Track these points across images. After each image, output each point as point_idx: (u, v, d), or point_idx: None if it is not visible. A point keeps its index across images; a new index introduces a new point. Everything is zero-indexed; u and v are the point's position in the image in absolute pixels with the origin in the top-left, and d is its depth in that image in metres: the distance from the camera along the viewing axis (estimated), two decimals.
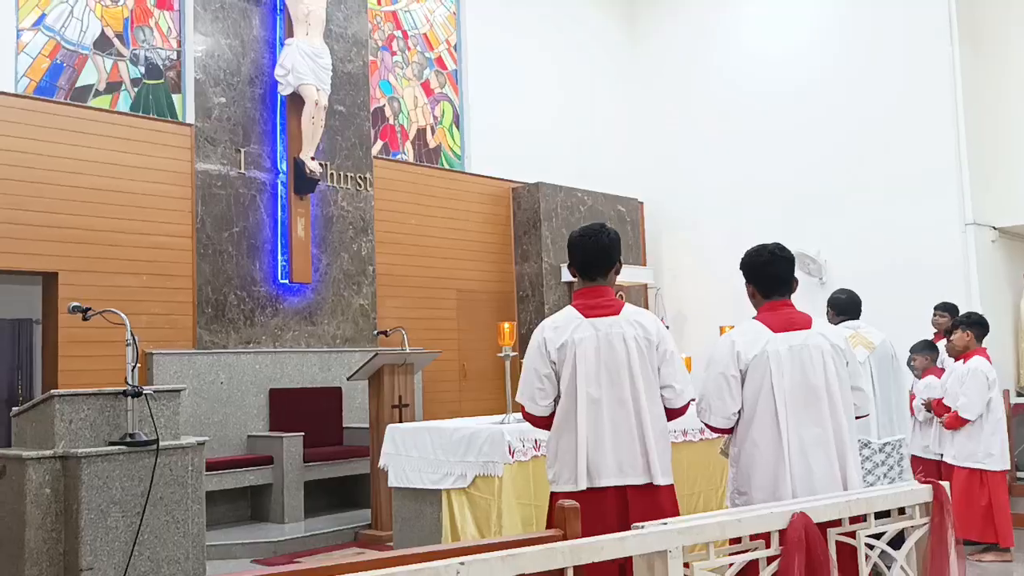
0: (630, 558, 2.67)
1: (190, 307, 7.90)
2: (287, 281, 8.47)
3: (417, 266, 9.61)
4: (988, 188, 9.98)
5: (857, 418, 3.57)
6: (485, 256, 10.36)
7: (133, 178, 7.68)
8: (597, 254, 3.59)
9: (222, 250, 8.11)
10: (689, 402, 3.59)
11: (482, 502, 5.09)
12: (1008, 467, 6.03)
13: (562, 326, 3.53)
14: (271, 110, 8.55)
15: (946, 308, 7.82)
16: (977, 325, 6.18)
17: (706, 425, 3.59)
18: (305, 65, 8.41)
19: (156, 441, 3.64)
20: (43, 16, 7.44)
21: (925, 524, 3.27)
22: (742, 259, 3.76)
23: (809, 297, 10.30)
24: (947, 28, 9.91)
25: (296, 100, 8.47)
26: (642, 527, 2.68)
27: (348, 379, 7.51)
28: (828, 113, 10.67)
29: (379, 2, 9.89)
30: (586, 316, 3.52)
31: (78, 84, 7.61)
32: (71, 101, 7.50)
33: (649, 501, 3.40)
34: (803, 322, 3.59)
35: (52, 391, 3.66)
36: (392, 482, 5.50)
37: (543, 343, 3.51)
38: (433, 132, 10.29)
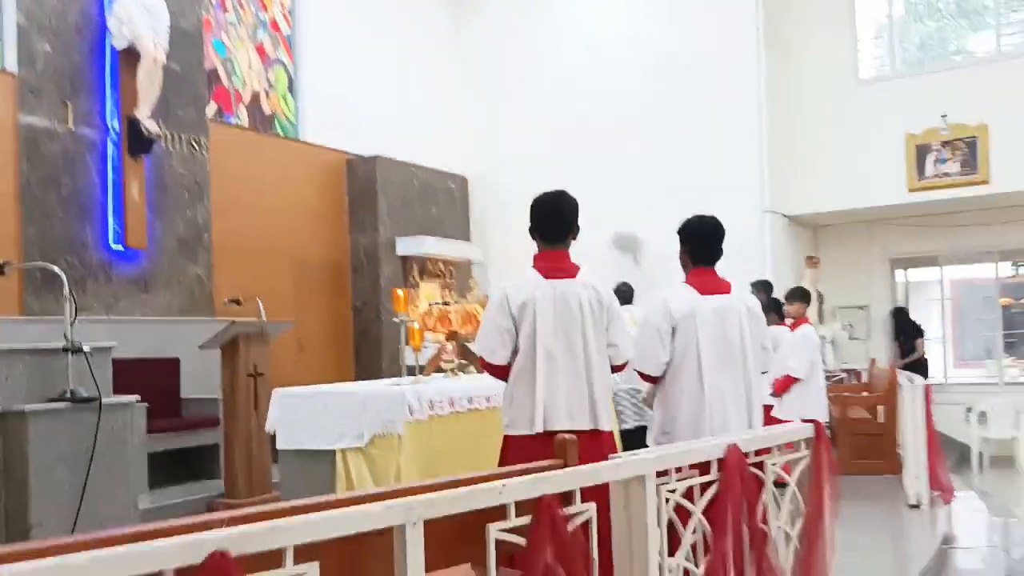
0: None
1: (15, 273, 7.37)
2: (120, 247, 8.08)
3: (254, 235, 9.44)
4: (781, 181, 11.24)
5: (762, 372, 4.14)
6: (320, 227, 10.33)
7: None
8: (559, 220, 3.91)
9: (50, 213, 7.62)
10: (626, 361, 4.00)
11: (380, 459, 5.28)
12: (827, 419, 6.99)
13: (524, 285, 3.83)
14: (101, 63, 8.08)
15: (761, 285, 8.79)
16: (804, 298, 7.08)
17: (639, 373, 4.02)
18: (142, 18, 8.02)
19: (98, 398, 3.54)
20: None
21: (807, 455, 3.90)
22: (685, 225, 4.17)
23: (626, 272, 11.22)
24: (755, 36, 11.01)
25: (130, 55, 8.04)
26: (619, 457, 3.07)
27: (200, 347, 7.31)
28: (647, 103, 11.48)
29: None
30: (546, 277, 3.84)
31: None
32: None
33: (594, 444, 3.76)
34: (725, 287, 4.09)
35: None
36: (281, 445, 5.55)
37: (505, 299, 3.79)
38: (268, 97, 10.11)
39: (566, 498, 2.63)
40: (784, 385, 6.80)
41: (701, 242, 4.12)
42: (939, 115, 10.71)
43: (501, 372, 3.81)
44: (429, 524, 2.13)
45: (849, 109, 11.14)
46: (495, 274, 12.48)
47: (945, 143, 10.82)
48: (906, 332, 11.92)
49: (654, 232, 11.36)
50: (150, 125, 8.10)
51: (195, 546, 1.65)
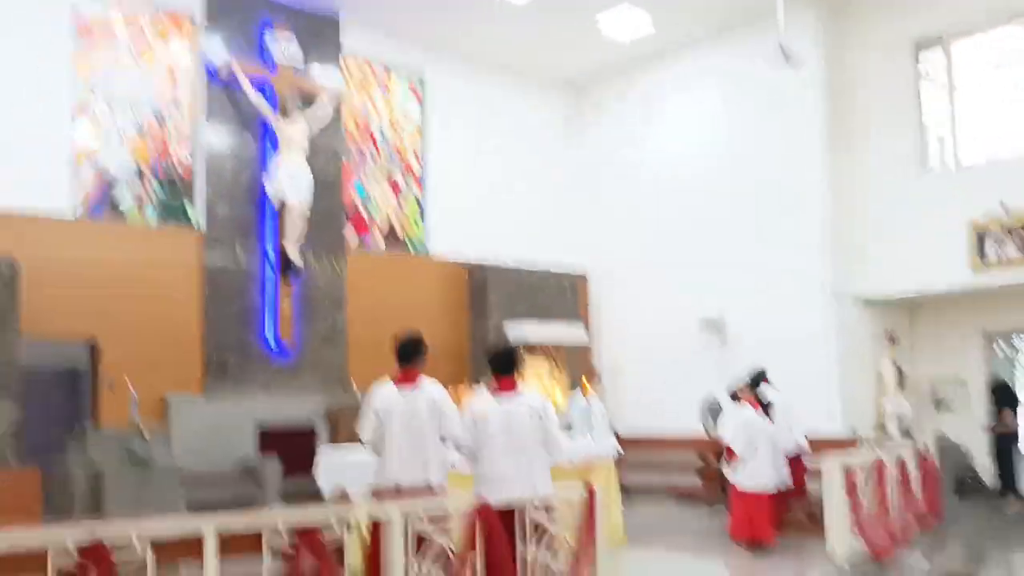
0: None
1: (199, 365, 10.60)
2: (275, 345, 11.14)
3: (383, 331, 12.10)
4: (852, 263, 12.33)
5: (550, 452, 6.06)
6: (443, 321, 12.95)
7: (157, 271, 10.44)
8: (409, 350, 6.15)
9: (225, 323, 10.81)
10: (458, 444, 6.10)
11: None
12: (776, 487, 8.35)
13: (385, 391, 6.08)
14: (263, 214, 11.26)
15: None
16: (752, 384, 8.61)
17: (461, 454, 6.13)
18: (287, 181, 11.09)
19: (150, 462, 6.25)
20: (91, 156, 10.29)
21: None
22: (488, 354, 6.23)
23: (712, 354, 12.82)
24: (819, 133, 12.35)
25: (282, 206, 11.18)
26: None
27: (310, 418, 10.12)
28: (724, 200, 13.17)
29: (356, 124, 12.66)
30: (398, 386, 6.07)
31: (118, 205, 10.44)
32: (112, 219, 10.33)
33: None
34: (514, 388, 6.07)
35: (87, 426, 6.25)
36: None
37: (373, 399, 6.06)
38: (400, 223, 13.01)
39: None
40: (730, 456, 8.39)
41: (495, 361, 6.09)
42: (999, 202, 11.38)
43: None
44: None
45: (914, 195, 12.01)
46: (607, 354, 14.49)
47: (1008, 229, 11.43)
48: (1004, 403, 12.36)
49: (735, 315, 12.92)
50: (295, 258, 11.13)
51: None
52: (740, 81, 12.84)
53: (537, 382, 13.26)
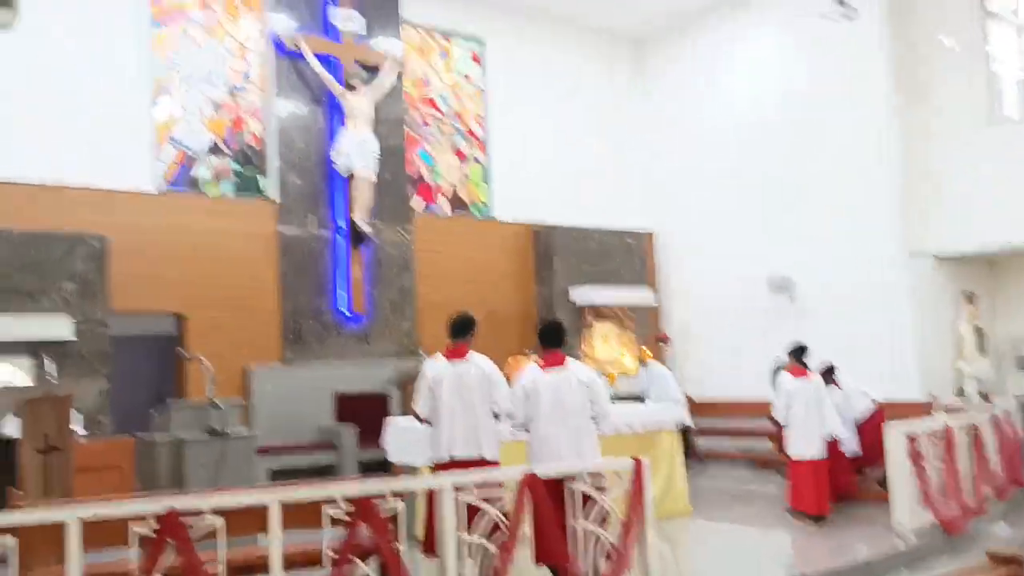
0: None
1: (277, 334, 11.11)
2: (348, 311, 11.60)
3: (452, 294, 12.50)
4: (926, 219, 12.09)
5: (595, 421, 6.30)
6: (509, 284, 13.24)
7: (235, 243, 10.94)
8: (460, 327, 6.44)
9: (299, 291, 11.30)
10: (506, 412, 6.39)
11: None
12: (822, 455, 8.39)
13: (437, 365, 6.39)
14: (333, 184, 11.64)
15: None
16: (792, 354, 8.64)
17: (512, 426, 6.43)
18: (355, 151, 11.44)
19: (226, 433, 6.71)
20: (172, 133, 10.80)
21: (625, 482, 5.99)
22: (538, 328, 6.48)
23: (780, 315, 12.78)
24: (885, 84, 12.07)
25: (350, 177, 11.55)
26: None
27: (386, 384, 10.55)
28: (792, 153, 13.01)
29: (417, 89, 12.90)
30: (449, 360, 6.38)
31: (196, 178, 10.96)
32: (192, 192, 10.85)
33: None
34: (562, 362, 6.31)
35: (170, 402, 6.74)
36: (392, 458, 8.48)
37: (425, 376, 6.38)
38: (464, 188, 13.26)
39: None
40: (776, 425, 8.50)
41: (542, 335, 6.34)
42: None
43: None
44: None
45: (988, 146, 11.66)
46: (677, 318, 14.57)
47: None
48: None
49: (805, 274, 12.83)
50: (364, 226, 11.51)
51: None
52: (803, 33, 12.58)
53: (604, 345, 13.47)
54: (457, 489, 5.45)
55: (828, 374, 9.37)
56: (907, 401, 10.88)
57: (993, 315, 12.60)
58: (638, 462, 6.07)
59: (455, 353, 6.41)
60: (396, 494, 5.25)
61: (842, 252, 12.42)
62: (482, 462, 6.25)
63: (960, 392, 11.67)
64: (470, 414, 6.27)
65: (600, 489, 5.88)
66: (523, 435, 6.60)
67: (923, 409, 9.77)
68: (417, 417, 6.48)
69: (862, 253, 12.24)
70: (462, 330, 6.48)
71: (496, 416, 6.38)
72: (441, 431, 6.29)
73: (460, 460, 6.24)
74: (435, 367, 6.40)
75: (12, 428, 6.24)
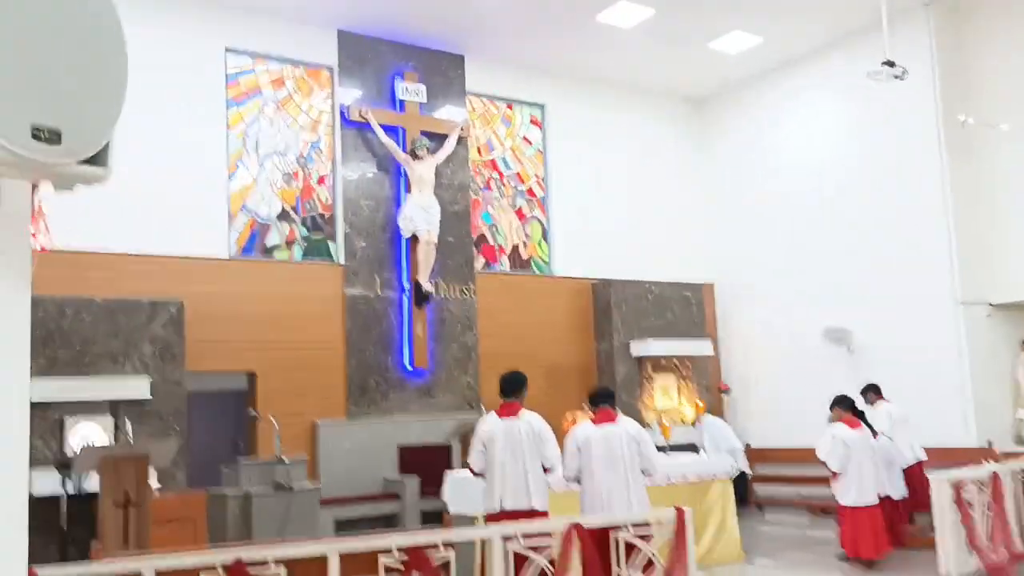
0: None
1: (343, 390, 11.56)
2: (411, 367, 12.00)
3: (512, 350, 12.81)
4: (981, 269, 12.03)
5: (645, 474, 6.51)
6: (569, 338, 13.50)
7: (304, 304, 11.45)
8: (511, 386, 6.74)
9: (364, 348, 11.75)
10: (555, 465, 6.64)
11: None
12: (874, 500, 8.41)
13: (490, 421, 6.69)
14: (398, 247, 12.15)
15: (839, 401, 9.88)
16: (840, 404, 8.72)
17: (565, 477, 6.65)
18: (419, 215, 11.95)
19: (291, 487, 7.08)
20: (245, 203, 11.44)
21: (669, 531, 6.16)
22: (589, 391, 6.75)
23: (839, 365, 12.78)
24: (937, 139, 12.13)
25: (414, 239, 12.02)
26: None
27: (447, 439, 10.88)
28: (847, 206, 13.09)
29: (480, 153, 13.41)
30: (501, 418, 6.68)
31: (267, 244, 11.57)
32: (262, 257, 11.45)
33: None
34: (612, 419, 6.57)
35: (239, 459, 7.18)
36: (452, 510, 8.76)
37: (479, 433, 6.68)
38: (525, 246, 13.64)
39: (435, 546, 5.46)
40: (832, 475, 8.52)
41: (594, 396, 6.60)
42: None
43: (477, 474, 6.68)
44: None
45: None
46: (736, 367, 14.63)
47: None
48: None
49: (861, 325, 12.82)
50: (427, 285, 11.95)
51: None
52: (854, 90, 12.72)
53: (664, 397, 13.58)
54: (506, 539, 5.71)
55: (869, 393, 9.46)
56: (963, 447, 10.76)
57: None
58: (680, 511, 6.24)
59: (507, 411, 6.71)
60: (447, 544, 5.53)
61: (898, 302, 12.39)
62: (532, 513, 6.50)
63: (1020, 440, 11.49)
64: (520, 467, 6.54)
65: (644, 538, 6.06)
66: (575, 487, 6.85)
67: (981, 456, 9.69)
68: (471, 471, 6.76)
69: (918, 303, 12.20)
70: (513, 388, 6.79)
71: (546, 469, 6.63)
72: (493, 483, 6.56)
73: (511, 511, 6.50)
74: (488, 424, 6.71)
75: (94, 484, 6.71)
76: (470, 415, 11.87)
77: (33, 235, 4.54)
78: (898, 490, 9.62)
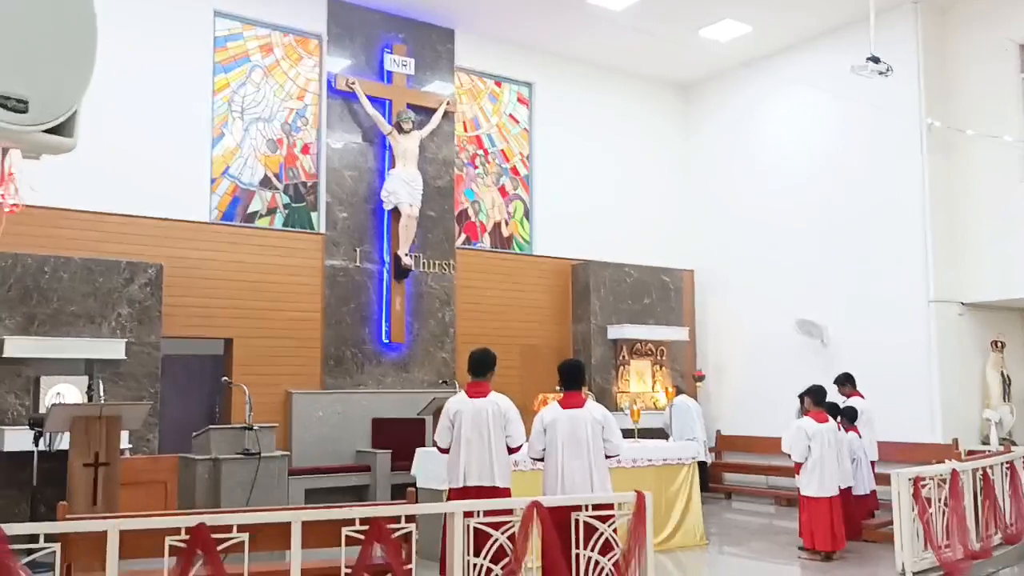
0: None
1: (319, 360, 11.61)
2: (388, 341, 12.06)
3: (489, 328, 12.89)
4: (954, 268, 12.17)
5: (607, 457, 6.61)
6: (547, 319, 13.59)
7: (283, 272, 11.48)
8: (480, 366, 6.81)
9: (342, 320, 11.79)
10: (520, 445, 6.73)
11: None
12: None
13: (458, 400, 6.77)
14: (379, 219, 12.17)
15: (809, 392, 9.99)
16: (809, 394, 8.85)
17: (530, 457, 6.75)
18: (402, 188, 11.96)
19: (259, 453, 7.15)
20: (227, 168, 11.43)
21: (628, 514, 6.27)
22: (559, 369, 6.83)
23: (812, 356, 12.93)
24: (919, 139, 12.22)
25: (396, 212, 12.04)
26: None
27: (418, 414, 10.96)
28: (826, 199, 13.23)
29: (465, 129, 13.41)
30: (469, 397, 6.75)
31: (249, 210, 11.56)
32: (243, 224, 11.44)
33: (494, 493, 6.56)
34: (580, 403, 6.65)
35: (209, 426, 7.24)
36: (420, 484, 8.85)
37: (447, 411, 6.76)
38: (507, 224, 13.69)
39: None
40: (796, 466, 8.68)
41: (563, 374, 6.69)
42: None
43: (444, 451, 6.76)
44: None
45: (1019, 199, 11.72)
46: (712, 352, 14.77)
47: None
48: None
49: (835, 318, 12.95)
50: (406, 260, 11.99)
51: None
52: (838, 84, 12.74)
53: (639, 382, 13.71)
54: (467, 514, 5.79)
55: (838, 417, 9.55)
56: (929, 443, 10.93)
57: (1020, 362, 12.57)
58: (640, 495, 6.33)
59: (475, 390, 6.78)
60: (409, 517, 5.61)
61: (872, 297, 12.54)
62: (494, 490, 6.58)
63: (986, 439, 11.67)
64: (485, 446, 6.62)
65: (604, 519, 6.16)
66: (540, 466, 6.93)
67: (945, 453, 9.86)
68: (438, 447, 6.84)
69: (891, 299, 12.34)
70: (482, 368, 6.85)
71: (511, 449, 6.72)
72: (459, 460, 6.64)
73: (474, 487, 6.58)
74: (456, 403, 6.78)
75: (67, 443, 6.75)
76: (445, 391, 11.94)
77: (1, 196, 4.56)
78: (863, 484, 9.76)
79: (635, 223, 14.61)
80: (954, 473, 8.20)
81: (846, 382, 10.26)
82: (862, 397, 10.33)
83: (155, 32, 10.80)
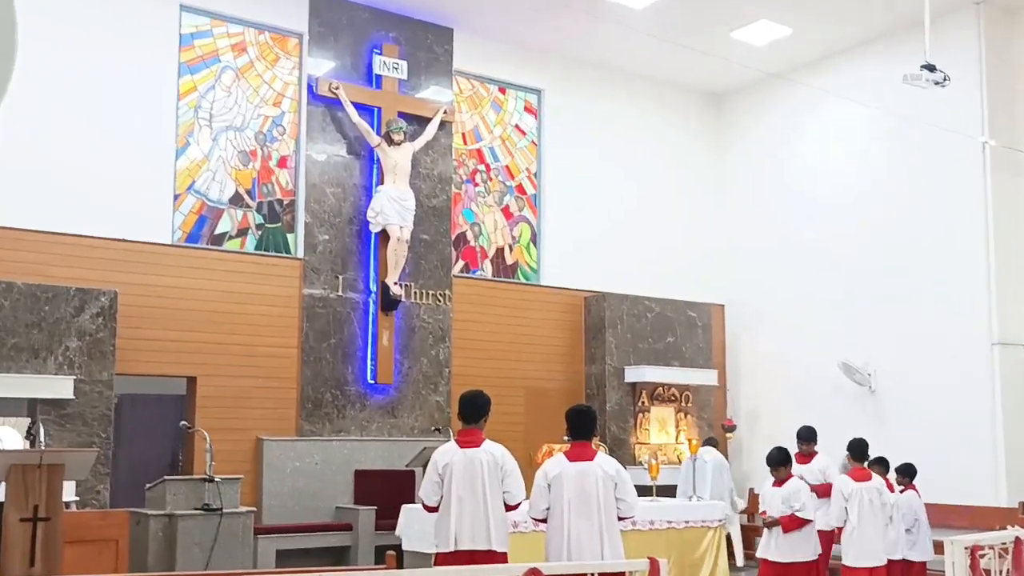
0: None
1: (294, 403, 11.64)
2: (374, 382, 12.08)
3: (490, 368, 12.89)
4: (1022, 305, 12.16)
5: (620, 518, 6.60)
6: (555, 358, 13.61)
7: (254, 303, 11.51)
8: (471, 411, 6.82)
9: (321, 357, 11.82)
10: (520, 502, 6.74)
11: None
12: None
13: (447, 451, 6.78)
14: (365, 243, 12.23)
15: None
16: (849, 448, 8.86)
17: (531, 517, 6.75)
18: (391, 207, 12.03)
19: (220, 509, 7.15)
20: (193, 182, 11.53)
21: None
22: (567, 416, 6.84)
23: (858, 404, 12.91)
24: (981, 158, 12.28)
25: (384, 234, 12.10)
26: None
27: (407, 466, 10.95)
28: (874, 228, 13.27)
29: (464, 141, 13.53)
30: (461, 447, 6.77)
31: (216, 231, 11.64)
32: (210, 246, 11.52)
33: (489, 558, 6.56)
34: (590, 455, 6.66)
35: (165, 477, 7.25)
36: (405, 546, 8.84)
37: (435, 462, 6.77)
38: (511, 250, 13.77)
39: None
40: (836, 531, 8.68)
41: (571, 422, 6.71)
42: None
43: (432, 510, 6.76)
44: None
45: None
46: (745, 396, 14.76)
47: None
48: None
49: (885, 361, 12.94)
50: (395, 289, 12.05)
51: None
52: (889, 95, 12.82)
53: (661, 432, 13.69)
54: None
55: (805, 441, 9.68)
56: (991, 506, 10.87)
57: None
58: (654, 562, 6.30)
59: (467, 439, 6.79)
60: None
61: (927, 337, 12.53)
62: (490, 554, 6.58)
63: None
64: (480, 503, 6.61)
65: None
66: (543, 527, 6.93)
67: (1009, 518, 9.81)
68: (424, 505, 6.84)
69: (949, 340, 12.33)
70: (475, 413, 6.87)
71: (509, 507, 6.72)
72: (449, 520, 6.64)
73: (466, 551, 6.57)
74: (445, 453, 6.79)
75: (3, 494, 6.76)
76: (438, 440, 11.93)
77: None
78: (923, 550, 9.71)
79: (657, 250, 14.67)
80: (1018, 541, 8.14)
81: (808, 438, 9.85)
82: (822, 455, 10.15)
83: (112, 28, 10.94)
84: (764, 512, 8.56)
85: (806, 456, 9.67)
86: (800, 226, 14.21)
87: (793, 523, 8.28)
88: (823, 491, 9.17)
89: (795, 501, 8.32)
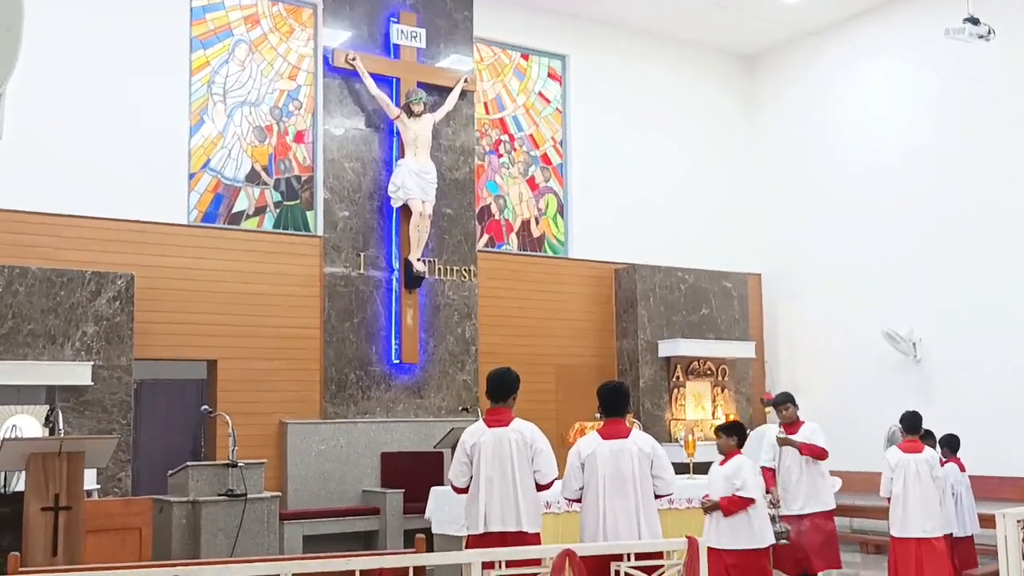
0: None
1: (318, 385, 11.70)
2: (398, 361, 12.12)
3: (518, 344, 12.92)
4: None
5: (657, 496, 6.59)
6: (586, 333, 13.60)
7: (275, 282, 11.57)
8: (499, 389, 6.82)
9: (344, 337, 11.87)
10: (552, 481, 6.73)
11: None
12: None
13: (475, 431, 6.79)
14: (387, 218, 12.24)
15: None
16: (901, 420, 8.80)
17: (565, 497, 6.74)
18: (412, 181, 12.03)
19: (245, 494, 7.21)
20: (208, 160, 11.57)
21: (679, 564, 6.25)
22: (599, 393, 6.82)
23: (903, 374, 12.82)
24: None
25: (406, 209, 12.10)
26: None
27: (435, 447, 11.00)
28: (920, 192, 13.11)
29: (487, 111, 13.48)
30: (489, 426, 6.77)
31: (234, 210, 11.69)
32: (227, 225, 11.57)
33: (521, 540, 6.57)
34: (624, 432, 6.64)
35: (187, 463, 7.32)
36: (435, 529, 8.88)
37: (463, 443, 6.78)
38: (537, 223, 13.74)
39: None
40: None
41: (603, 399, 6.69)
42: None
43: (462, 491, 6.77)
44: None
45: None
46: (785, 370, 14.69)
47: None
48: None
49: (932, 330, 12.82)
50: (419, 265, 12.05)
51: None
52: (933, 54, 12.64)
53: (697, 408, 13.66)
54: (487, 565, 5.80)
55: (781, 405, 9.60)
56: None
57: None
58: (693, 540, 6.30)
59: (495, 418, 6.79)
60: (418, 569, 5.63)
61: (976, 306, 12.41)
62: (521, 536, 6.58)
63: None
64: (509, 484, 6.61)
65: (650, 571, 6.14)
66: (576, 507, 6.94)
67: None
68: (453, 486, 6.86)
69: (999, 308, 12.21)
70: (503, 391, 6.86)
71: (540, 487, 6.72)
72: (478, 501, 6.65)
73: (496, 533, 6.59)
74: (473, 433, 6.79)
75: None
76: (466, 420, 11.96)
77: None
78: (965, 525, 9.67)
79: (690, 219, 14.59)
80: None
81: (785, 402, 9.64)
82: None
83: (122, 4, 10.96)
84: (707, 495, 7.88)
85: (791, 425, 9.52)
86: (839, 190, 14.09)
87: (733, 505, 7.58)
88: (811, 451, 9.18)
89: (736, 479, 7.63)
